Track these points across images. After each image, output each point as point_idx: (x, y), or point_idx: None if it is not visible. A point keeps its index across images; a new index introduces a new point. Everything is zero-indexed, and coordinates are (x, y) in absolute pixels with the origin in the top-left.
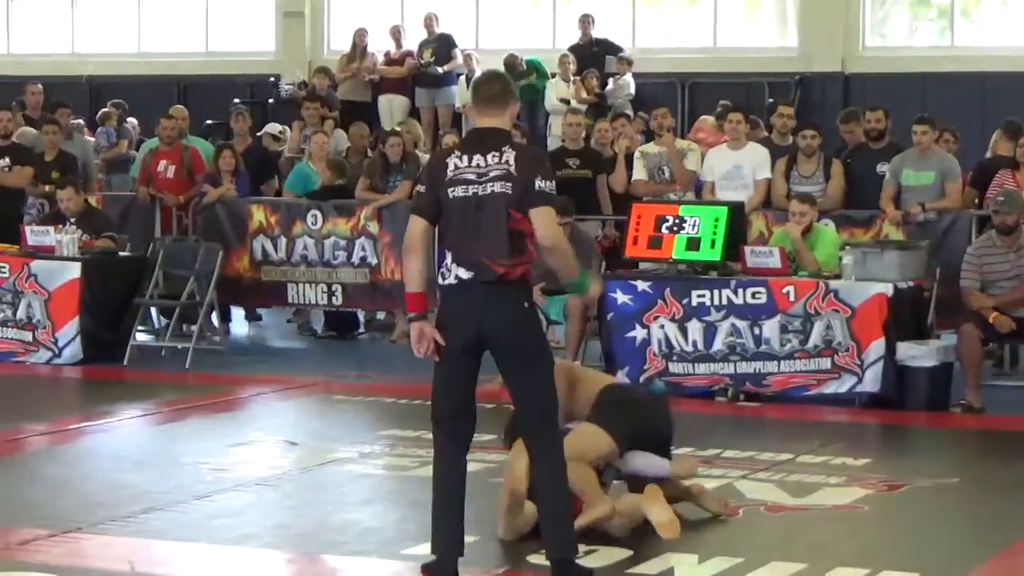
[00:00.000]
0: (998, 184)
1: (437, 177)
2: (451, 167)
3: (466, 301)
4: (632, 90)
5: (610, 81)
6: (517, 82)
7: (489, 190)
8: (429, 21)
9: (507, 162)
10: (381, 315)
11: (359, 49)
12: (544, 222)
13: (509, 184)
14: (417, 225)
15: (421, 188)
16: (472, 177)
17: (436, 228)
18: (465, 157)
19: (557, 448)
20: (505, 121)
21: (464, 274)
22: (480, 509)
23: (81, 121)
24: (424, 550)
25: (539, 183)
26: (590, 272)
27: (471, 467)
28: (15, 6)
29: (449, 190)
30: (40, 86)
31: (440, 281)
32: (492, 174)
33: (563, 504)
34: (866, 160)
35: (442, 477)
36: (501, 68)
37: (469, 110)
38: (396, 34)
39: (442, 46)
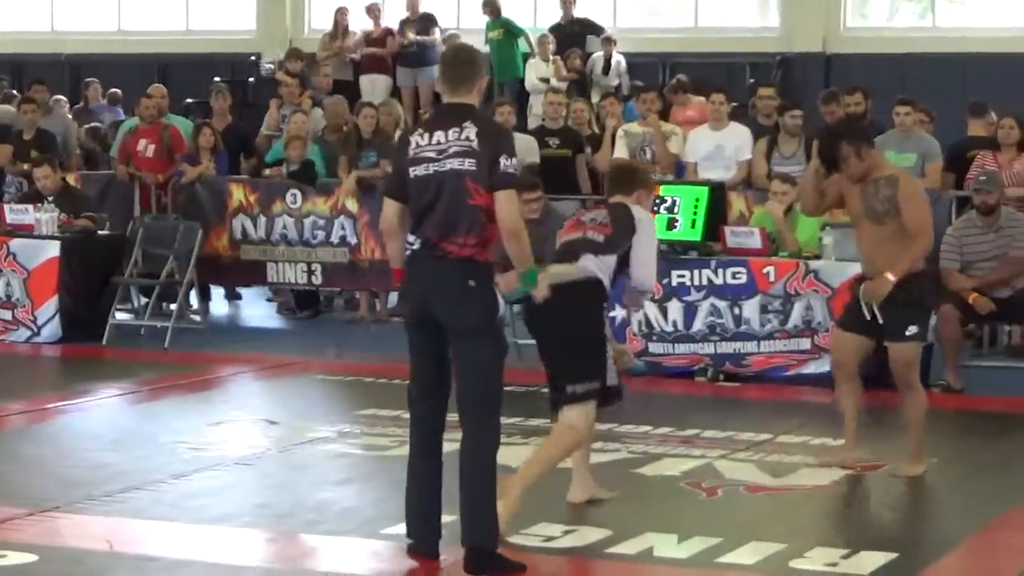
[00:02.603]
0: (979, 165)
1: (401, 157)
2: (413, 145)
3: (415, 273)
4: (624, 69)
5: (593, 61)
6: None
7: (447, 167)
8: (414, 1)
9: (468, 138)
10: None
11: (341, 28)
12: (507, 205)
13: (472, 160)
14: (390, 207)
15: (389, 168)
16: (432, 155)
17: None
18: (427, 135)
19: (489, 432)
20: (473, 98)
21: (416, 244)
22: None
23: (63, 98)
24: (403, 529)
25: (504, 162)
26: (540, 272)
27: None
28: None
29: (411, 169)
30: None
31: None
32: (451, 150)
33: (488, 489)
34: None
35: (415, 457)
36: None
37: (437, 85)
38: (373, 12)
39: (424, 25)
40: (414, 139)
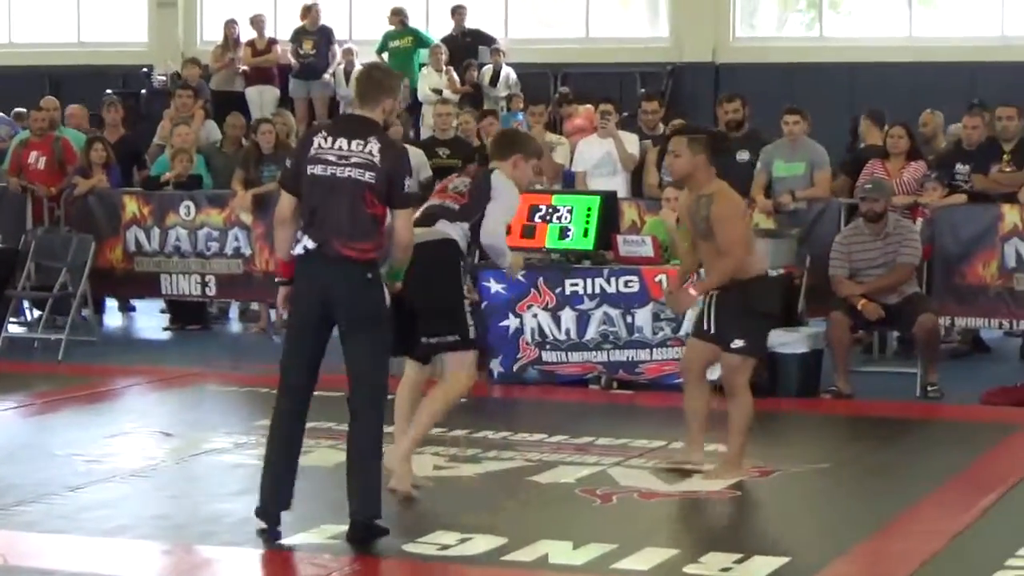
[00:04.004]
0: (868, 173)
1: (301, 153)
2: (315, 145)
3: (312, 270)
4: (515, 80)
5: (482, 73)
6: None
7: (346, 174)
8: (314, 13)
9: (371, 152)
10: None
11: (231, 40)
12: (404, 223)
13: (372, 173)
14: (286, 199)
15: (288, 163)
16: (332, 158)
17: None
18: (330, 138)
19: (376, 418)
20: (376, 114)
21: (310, 244)
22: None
23: None
24: (298, 539)
25: (406, 183)
26: (402, 272)
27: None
28: None
29: (308, 167)
30: None
31: (292, 251)
32: (353, 160)
33: (376, 469)
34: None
35: (278, 435)
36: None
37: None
38: (257, 24)
39: (322, 39)
40: (317, 139)
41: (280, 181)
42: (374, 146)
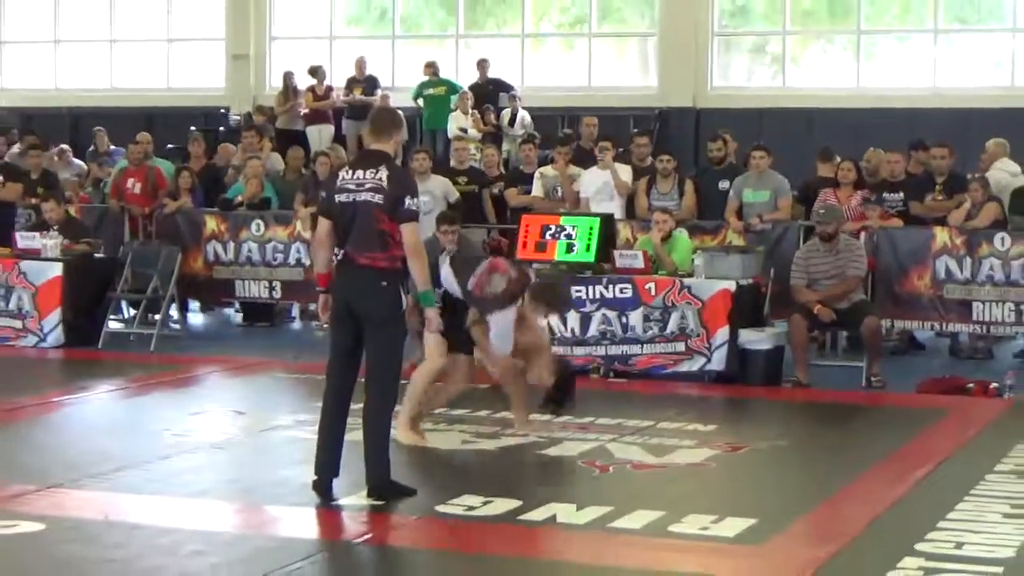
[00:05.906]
0: (822, 200)
1: (330, 186)
2: (340, 178)
3: (340, 276)
4: (529, 121)
5: (502, 115)
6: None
7: (363, 198)
8: (361, 64)
9: (380, 178)
10: (311, 307)
11: (289, 89)
12: (410, 234)
13: (381, 195)
14: (322, 224)
15: (323, 194)
16: (352, 187)
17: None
18: (351, 171)
19: (388, 397)
20: (388, 146)
21: (340, 256)
22: (400, 469)
23: (66, 147)
24: (349, 501)
25: (408, 201)
26: (431, 296)
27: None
28: (7, 48)
29: (336, 196)
30: None
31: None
32: (367, 186)
33: (384, 438)
34: (710, 179)
35: (326, 413)
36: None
37: (363, 134)
38: (315, 73)
39: (369, 85)
40: (342, 173)
41: (318, 210)
42: (384, 173)
